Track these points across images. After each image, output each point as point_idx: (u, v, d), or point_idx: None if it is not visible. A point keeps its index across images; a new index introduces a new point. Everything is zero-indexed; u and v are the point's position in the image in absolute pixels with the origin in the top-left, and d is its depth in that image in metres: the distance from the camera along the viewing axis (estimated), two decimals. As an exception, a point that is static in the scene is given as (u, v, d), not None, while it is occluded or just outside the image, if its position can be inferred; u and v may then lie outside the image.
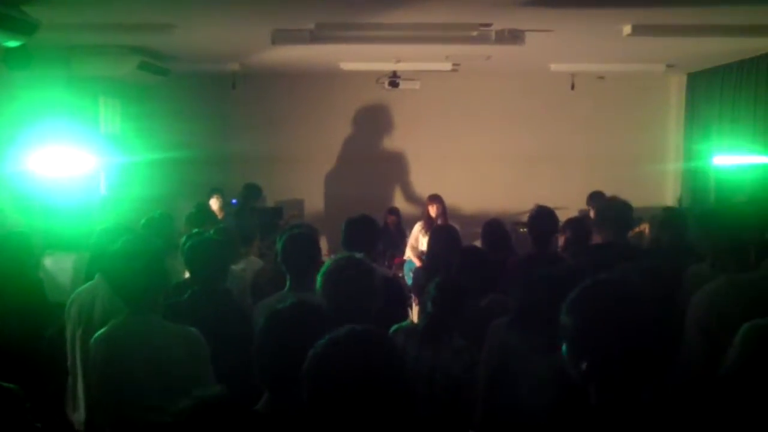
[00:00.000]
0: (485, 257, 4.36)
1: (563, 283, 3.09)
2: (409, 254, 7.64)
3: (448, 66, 8.40)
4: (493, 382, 3.36)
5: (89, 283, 4.05)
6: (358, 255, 3.34)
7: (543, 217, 5.09)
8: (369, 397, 1.78)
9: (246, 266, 5.07)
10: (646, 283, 2.00)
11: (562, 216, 6.66)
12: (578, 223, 5.47)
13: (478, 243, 5.66)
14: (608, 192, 6.87)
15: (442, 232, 4.91)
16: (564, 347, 1.92)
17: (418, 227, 7.78)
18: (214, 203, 8.41)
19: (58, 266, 5.39)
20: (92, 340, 3.25)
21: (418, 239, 7.68)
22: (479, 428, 3.44)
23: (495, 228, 5.16)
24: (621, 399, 1.83)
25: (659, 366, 1.86)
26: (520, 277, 3.45)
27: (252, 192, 8.28)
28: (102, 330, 3.24)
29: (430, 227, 7.30)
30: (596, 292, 1.90)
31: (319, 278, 3.20)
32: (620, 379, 1.83)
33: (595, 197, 7.43)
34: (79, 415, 4.08)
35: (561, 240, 5.59)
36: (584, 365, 1.85)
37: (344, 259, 3.26)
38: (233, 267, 4.64)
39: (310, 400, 1.81)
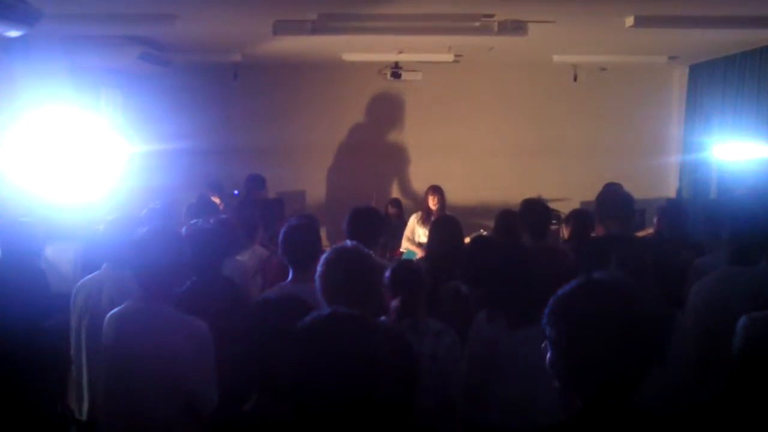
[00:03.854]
0: (494, 248, 4.37)
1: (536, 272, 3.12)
2: (405, 245, 7.63)
3: (450, 57, 8.39)
4: (476, 376, 3.36)
5: (96, 272, 4.06)
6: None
7: (535, 208, 5.09)
8: (351, 376, 1.77)
9: (251, 256, 5.08)
10: (636, 283, 1.88)
11: (565, 207, 6.70)
12: (582, 215, 5.48)
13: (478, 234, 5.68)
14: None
15: (443, 224, 4.90)
16: (548, 356, 1.82)
17: (414, 218, 7.77)
18: (216, 199, 8.38)
19: (60, 256, 5.40)
20: (107, 316, 3.29)
21: (414, 230, 7.67)
22: (462, 422, 3.45)
23: (508, 219, 5.15)
24: (609, 406, 1.76)
25: (648, 368, 1.77)
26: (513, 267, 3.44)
27: (255, 183, 8.26)
28: (116, 309, 3.29)
29: (428, 218, 7.29)
30: (583, 296, 1.78)
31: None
32: (609, 386, 1.75)
33: None
34: (82, 405, 4.10)
35: (566, 232, 5.60)
36: (570, 375, 1.77)
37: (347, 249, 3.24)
38: (237, 258, 4.66)
39: (293, 376, 1.79)
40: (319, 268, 3.17)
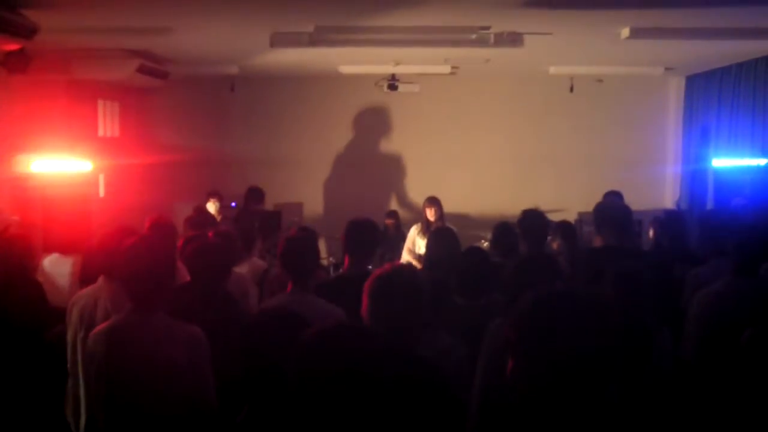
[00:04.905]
0: (486, 258, 4.37)
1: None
2: (405, 257, 7.63)
3: (447, 69, 8.41)
4: (491, 386, 3.34)
5: (91, 286, 4.04)
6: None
7: (535, 220, 5.10)
8: (352, 389, 1.76)
9: (249, 268, 5.08)
10: (597, 294, 1.89)
11: (562, 218, 6.70)
12: (566, 230, 5.52)
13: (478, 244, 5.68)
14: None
15: (440, 235, 4.91)
16: (510, 364, 1.81)
17: (414, 230, 7.77)
18: (212, 206, 8.40)
19: (57, 269, 5.39)
20: (92, 333, 3.27)
21: (415, 242, 7.67)
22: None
23: (504, 231, 5.16)
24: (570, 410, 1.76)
25: (607, 382, 1.78)
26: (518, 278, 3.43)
27: (254, 196, 8.27)
28: (103, 324, 3.26)
29: (428, 230, 7.29)
30: (545, 304, 1.80)
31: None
32: (568, 394, 1.75)
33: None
34: (79, 418, 4.07)
35: (554, 244, 5.61)
36: (530, 381, 1.78)
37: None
38: (235, 269, 4.65)
39: (296, 390, 1.79)
40: (369, 302, 2.79)
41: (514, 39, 6.36)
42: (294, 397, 1.82)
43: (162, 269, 3.19)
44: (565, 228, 5.59)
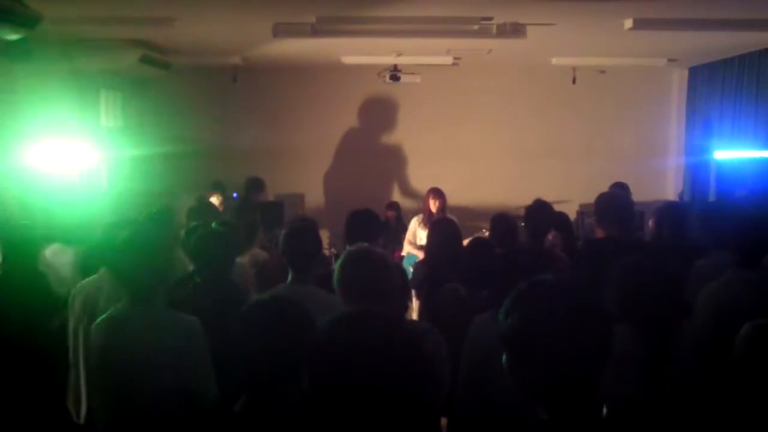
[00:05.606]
0: (491, 250, 4.38)
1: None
2: (407, 249, 7.63)
3: (449, 60, 8.40)
4: (474, 377, 3.35)
5: (93, 276, 4.06)
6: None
7: (538, 211, 5.10)
8: (370, 377, 1.76)
9: (250, 259, 5.09)
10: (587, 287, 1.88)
11: (565, 209, 6.71)
12: (561, 220, 5.54)
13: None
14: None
15: (441, 226, 4.91)
16: (504, 360, 1.80)
17: (415, 222, 7.76)
18: (215, 199, 8.40)
19: (58, 259, 5.40)
20: (93, 325, 3.29)
21: (416, 233, 7.66)
22: (456, 421, 3.43)
23: (503, 222, 5.17)
24: (575, 415, 1.74)
25: (600, 370, 1.77)
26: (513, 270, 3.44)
27: (254, 186, 8.27)
28: (103, 316, 3.28)
29: (430, 221, 7.28)
30: (541, 293, 1.79)
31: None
32: (566, 389, 1.73)
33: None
34: (80, 408, 4.09)
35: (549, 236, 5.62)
36: (529, 374, 1.76)
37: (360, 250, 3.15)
38: (237, 260, 4.67)
39: (312, 379, 1.79)
40: (336, 273, 3.03)
41: (516, 30, 6.36)
42: (311, 388, 1.81)
43: (158, 260, 3.19)
44: (559, 220, 5.58)
